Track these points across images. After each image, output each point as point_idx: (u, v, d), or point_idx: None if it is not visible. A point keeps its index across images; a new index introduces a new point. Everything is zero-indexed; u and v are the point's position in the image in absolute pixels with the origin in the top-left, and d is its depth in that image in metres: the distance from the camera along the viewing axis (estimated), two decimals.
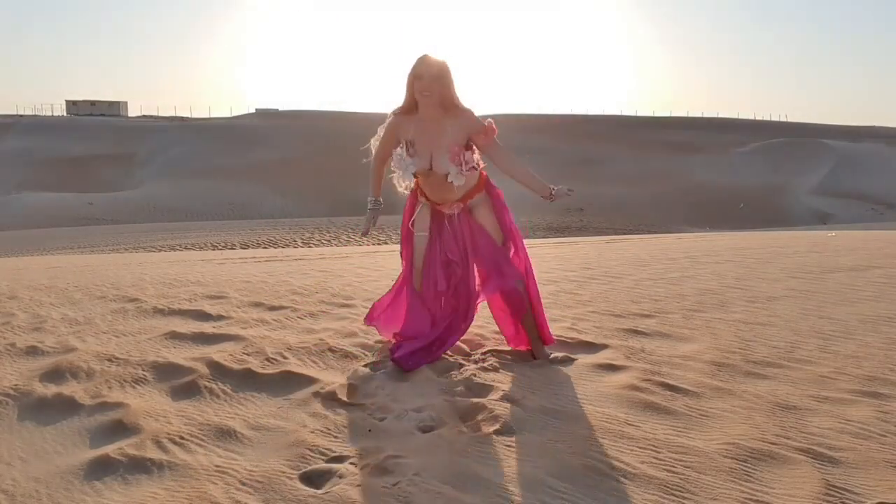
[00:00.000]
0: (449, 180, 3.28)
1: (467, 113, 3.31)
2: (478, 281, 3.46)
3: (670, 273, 6.89)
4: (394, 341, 3.51)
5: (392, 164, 3.42)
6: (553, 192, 3.31)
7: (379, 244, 20.74)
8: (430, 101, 3.24)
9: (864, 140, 65.17)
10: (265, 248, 20.41)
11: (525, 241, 3.60)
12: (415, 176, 3.38)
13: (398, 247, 3.63)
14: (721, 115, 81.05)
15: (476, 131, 3.30)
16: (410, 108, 3.32)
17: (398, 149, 3.36)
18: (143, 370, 3.30)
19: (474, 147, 3.33)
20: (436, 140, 3.29)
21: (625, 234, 23.84)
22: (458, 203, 3.41)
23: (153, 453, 2.33)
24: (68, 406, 2.89)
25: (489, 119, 3.31)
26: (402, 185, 3.46)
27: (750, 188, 48.23)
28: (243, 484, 2.11)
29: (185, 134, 60.65)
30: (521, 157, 3.45)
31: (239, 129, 62.82)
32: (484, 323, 4.05)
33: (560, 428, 2.48)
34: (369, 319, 3.66)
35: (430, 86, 3.21)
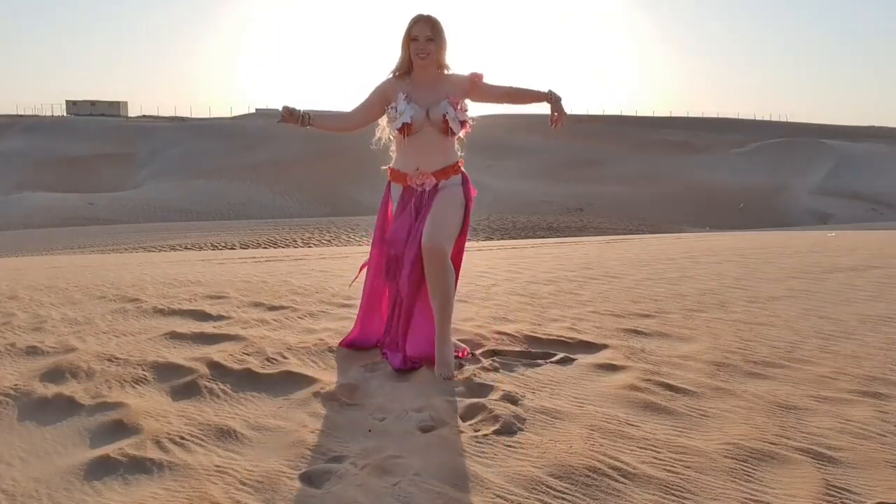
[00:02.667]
0: (447, 119, 3.20)
1: (459, 76, 3.33)
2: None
3: (670, 273, 6.89)
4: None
5: (385, 118, 3.33)
6: (550, 94, 3.29)
7: None
8: (426, 62, 3.23)
9: (864, 140, 65.20)
10: (265, 248, 20.40)
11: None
12: (403, 133, 3.23)
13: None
14: (721, 115, 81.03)
15: (468, 87, 3.31)
16: (406, 68, 3.30)
17: (399, 97, 3.25)
18: (143, 370, 3.30)
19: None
20: (431, 97, 3.26)
21: (625, 234, 23.84)
22: (432, 177, 3.29)
23: (153, 453, 2.33)
24: (68, 406, 2.89)
25: (472, 71, 3.33)
26: (384, 133, 3.37)
27: (750, 188, 48.23)
28: (243, 484, 2.11)
29: (185, 134, 60.65)
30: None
31: (239, 129, 62.81)
32: (483, 322, 4.05)
33: (560, 428, 2.48)
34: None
35: (425, 46, 3.20)
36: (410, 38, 3.23)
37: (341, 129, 3.49)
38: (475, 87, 3.32)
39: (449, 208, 3.25)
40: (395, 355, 3.24)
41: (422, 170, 3.27)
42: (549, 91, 3.31)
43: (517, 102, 3.43)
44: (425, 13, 3.27)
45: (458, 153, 3.39)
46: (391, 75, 3.33)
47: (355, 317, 3.65)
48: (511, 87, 3.39)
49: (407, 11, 3.53)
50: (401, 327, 3.28)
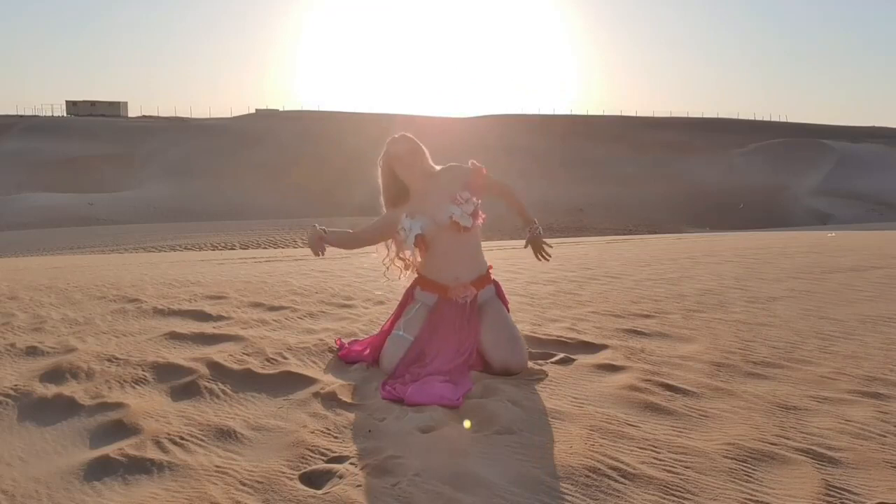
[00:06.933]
0: (454, 220, 3.16)
1: (450, 167, 3.32)
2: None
3: (670, 273, 6.89)
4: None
5: (396, 241, 3.30)
6: (532, 229, 3.38)
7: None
8: (415, 172, 3.26)
9: (864, 140, 65.25)
10: (265, 248, 20.40)
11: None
12: (420, 248, 3.20)
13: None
14: (721, 116, 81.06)
15: (468, 175, 3.29)
16: (399, 197, 3.32)
17: (402, 217, 3.24)
18: (143, 370, 3.30)
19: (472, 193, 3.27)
20: (431, 203, 3.23)
21: (625, 234, 23.86)
22: (471, 288, 3.24)
23: (153, 453, 2.33)
24: (68, 406, 2.89)
25: (472, 161, 3.32)
26: (390, 255, 3.35)
27: (750, 188, 48.27)
28: (243, 484, 2.11)
29: (185, 134, 60.67)
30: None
31: (239, 129, 62.83)
32: None
33: (560, 428, 2.48)
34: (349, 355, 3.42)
35: (411, 159, 3.25)
36: (395, 159, 3.27)
37: (349, 248, 3.55)
38: (478, 178, 3.28)
39: (508, 321, 3.27)
40: (402, 388, 2.92)
41: (461, 280, 3.24)
42: (534, 224, 3.38)
43: (510, 205, 3.45)
44: (396, 135, 3.33)
45: (481, 216, 3.30)
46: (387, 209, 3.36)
47: (360, 334, 3.57)
48: (510, 192, 3.43)
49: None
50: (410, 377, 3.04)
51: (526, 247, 3.46)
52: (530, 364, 3.25)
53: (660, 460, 2.21)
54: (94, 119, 67.35)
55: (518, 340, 3.23)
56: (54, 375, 3.32)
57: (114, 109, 74.80)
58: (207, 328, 4.19)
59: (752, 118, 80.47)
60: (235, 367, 3.25)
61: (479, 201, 3.26)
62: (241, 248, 20.81)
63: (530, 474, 2.11)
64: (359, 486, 2.05)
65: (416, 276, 3.38)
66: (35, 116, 70.80)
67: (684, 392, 2.87)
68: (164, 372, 3.26)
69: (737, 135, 67.50)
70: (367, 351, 3.34)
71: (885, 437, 2.42)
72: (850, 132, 70.74)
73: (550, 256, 3.45)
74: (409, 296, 3.35)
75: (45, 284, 6.81)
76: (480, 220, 3.25)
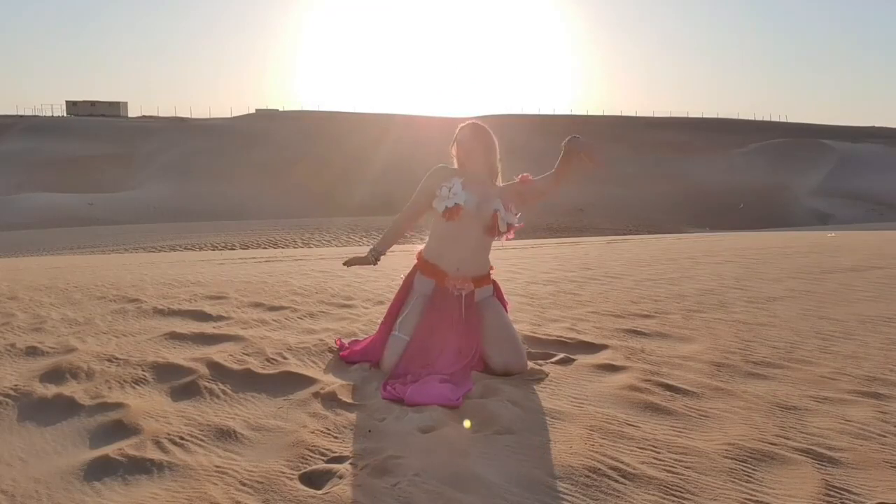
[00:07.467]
0: (499, 216, 3.16)
1: (508, 183, 3.34)
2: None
3: (670, 273, 6.89)
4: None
5: (438, 194, 3.21)
6: (568, 146, 3.20)
7: None
8: (477, 159, 3.25)
9: (864, 140, 65.30)
10: (265, 248, 20.40)
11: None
12: (448, 215, 3.15)
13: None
14: (721, 116, 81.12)
15: (519, 189, 3.30)
16: (461, 169, 3.31)
17: (455, 180, 3.18)
18: (143, 370, 3.30)
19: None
20: (484, 193, 3.23)
21: (625, 234, 23.88)
22: (469, 283, 3.23)
23: (153, 454, 2.33)
24: (68, 406, 2.89)
25: (518, 176, 3.34)
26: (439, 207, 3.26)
27: (750, 188, 48.28)
28: (243, 484, 2.11)
29: (185, 134, 60.66)
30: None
31: (239, 129, 62.83)
32: None
33: (560, 428, 2.48)
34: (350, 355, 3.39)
35: (473, 145, 3.24)
36: (458, 145, 3.28)
37: (400, 236, 3.48)
38: (525, 187, 3.29)
39: (508, 322, 3.27)
40: (402, 388, 2.93)
41: (462, 272, 3.22)
42: (565, 143, 3.23)
43: (562, 180, 3.30)
44: (470, 122, 3.32)
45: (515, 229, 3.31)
46: (443, 165, 3.33)
47: (359, 332, 3.56)
48: (550, 181, 3.29)
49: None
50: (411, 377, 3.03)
51: (573, 154, 3.21)
52: (530, 364, 3.25)
53: (660, 460, 2.21)
54: (94, 119, 67.33)
55: (518, 341, 3.24)
56: (54, 375, 3.32)
57: (114, 109, 74.77)
58: (207, 328, 4.19)
59: (752, 118, 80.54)
60: (235, 367, 3.25)
61: (522, 224, 3.29)
62: (241, 248, 20.81)
63: (530, 474, 2.11)
64: (359, 486, 2.05)
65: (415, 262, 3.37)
66: (35, 116, 70.79)
67: (684, 392, 2.87)
68: (164, 372, 3.26)
69: (737, 135, 67.50)
70: (370, 350, 3.33)
71: (885, 437, 2.42)
72: (850, 132, 70.76)
73: (598, 160, 3.23)
74: (407, 287, 3.34)
75: (45, 284, 6.81)
76: (510, 235, 3.27)
